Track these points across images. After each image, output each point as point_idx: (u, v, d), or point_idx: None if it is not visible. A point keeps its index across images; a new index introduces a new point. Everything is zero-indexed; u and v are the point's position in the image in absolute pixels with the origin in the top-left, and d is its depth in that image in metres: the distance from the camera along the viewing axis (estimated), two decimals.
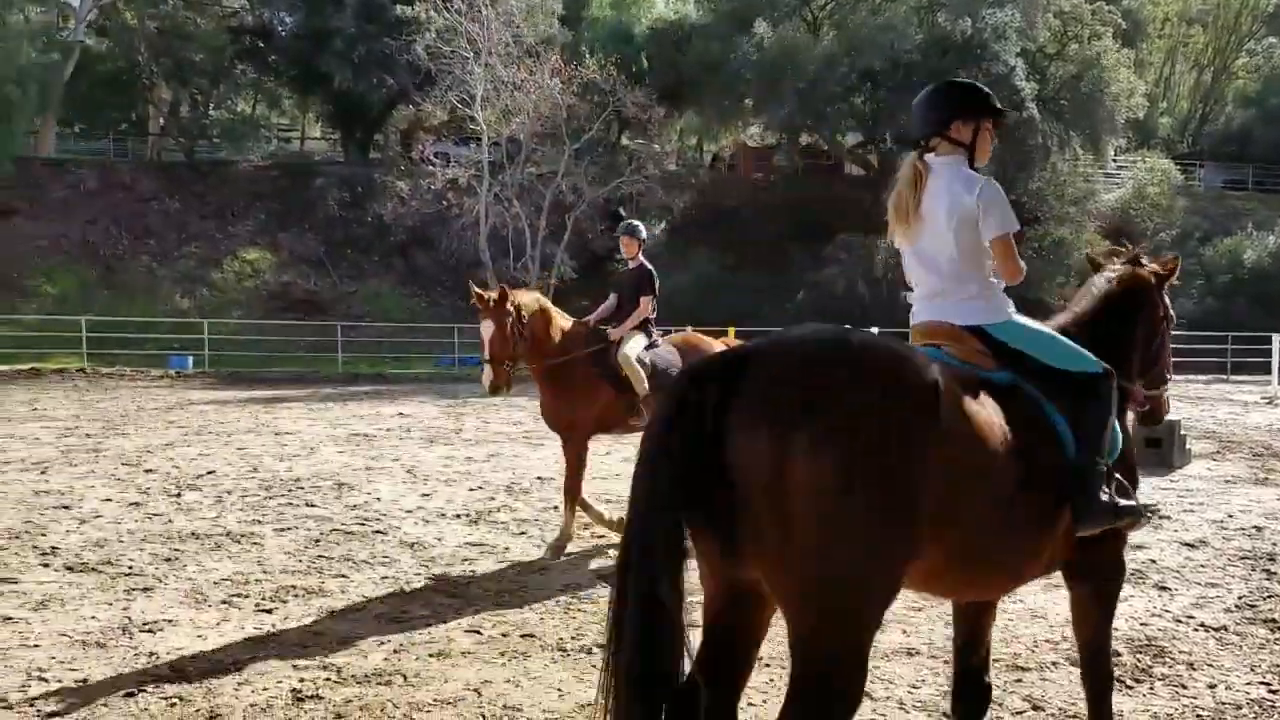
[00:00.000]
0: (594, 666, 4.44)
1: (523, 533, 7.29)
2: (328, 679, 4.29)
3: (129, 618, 5.14)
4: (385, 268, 36.55)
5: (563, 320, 7.09)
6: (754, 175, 43.35)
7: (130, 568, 6.18)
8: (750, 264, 34.78)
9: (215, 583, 5.87)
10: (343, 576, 6.04)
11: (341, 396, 19.38)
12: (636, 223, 7.75)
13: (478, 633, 4.94)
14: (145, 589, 5.71)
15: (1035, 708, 4.05)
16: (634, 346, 7.02)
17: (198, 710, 3.94)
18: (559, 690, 4.19)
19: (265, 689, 4.18)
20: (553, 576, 6.04)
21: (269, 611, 5.32)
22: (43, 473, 9.76)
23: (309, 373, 24.90)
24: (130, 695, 4.09)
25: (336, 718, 3.88)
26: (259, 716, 3.90)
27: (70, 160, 38.49)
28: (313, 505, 8.28)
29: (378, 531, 7.28)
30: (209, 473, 9.89)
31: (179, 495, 8.66)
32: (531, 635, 4.89)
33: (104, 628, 4.98)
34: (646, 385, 6.82)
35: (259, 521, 7.60)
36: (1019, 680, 4.36)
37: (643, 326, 7.25)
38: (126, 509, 8.01)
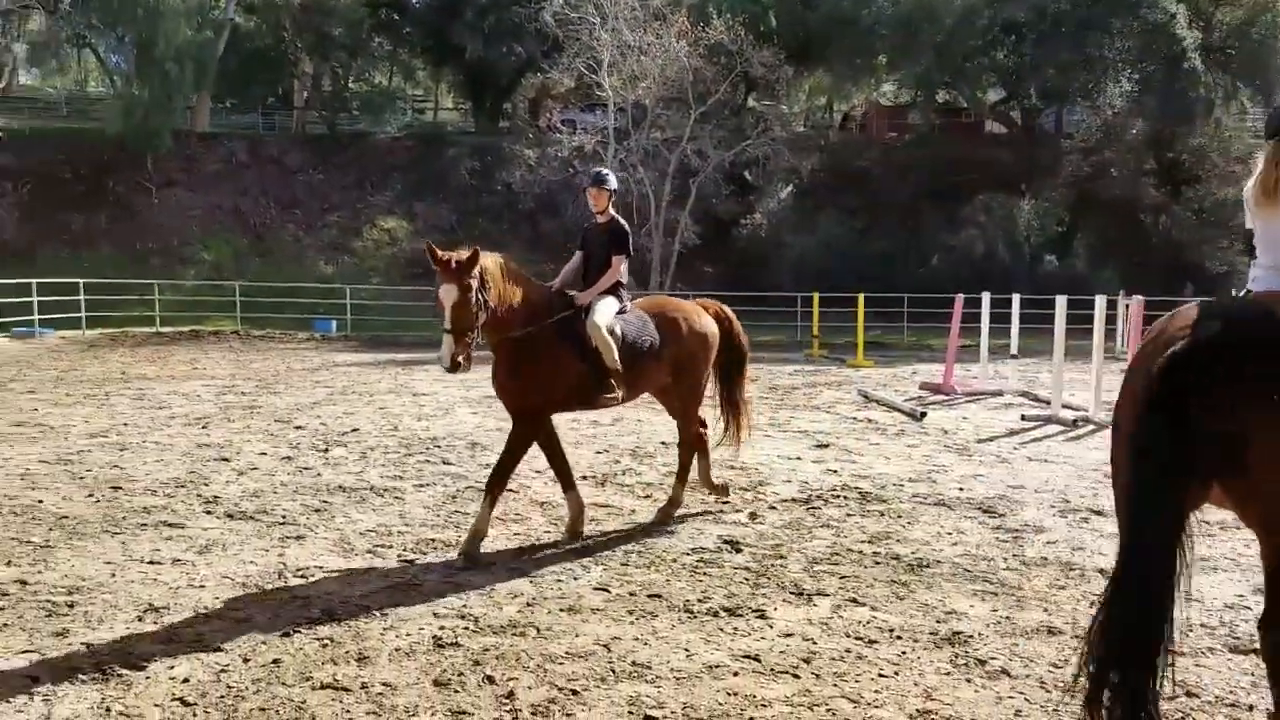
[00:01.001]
0: (720, 630, 4.50)
1: (647, 496, 7.38)
2: (466, 628, 4.49)
3: (284, 563, 5.49)
4: (513, 235, 37.24)
5: (525, 284, 6.00)
6: (886, 135, 42.08)
7: (284, 517, 6.58)
8: (881, 227, 33.89)
9: (361, 533, 6.19)
10: (492, 530, 6.25)
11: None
12: (605, 171, 6.74)
13: (606, 591, 5.06)
14: (298, 537, 6.07)
15: (1190, 694, 3.89)
16: (604, 313, 6.10)
17: (347, 652, 4.19)
18: (686, 650, 4.26)
19: (408, 634, 4.40)
20: (678, 540, 6.11)
21: (410, 562, 5.59)
22: (204, 427, 10.46)
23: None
24: (286, 635, 4.38)
25: (475, 664, 4.06)
26: (403, 660, 4.11)
27: (223, 134, 40.62)
28: (449, 463, 8.60)
29: (509, 490, 7.46)
30: (353, 430, 10.38)
31: (326, 451, 9.13)
32: (658, 596, 4.98)
33: (261, 572, 5.33)
34: (617, 358, 6.01)
35: (400, 477, 7.95)
36: (1170, 664, 4.18)
37: (614, 290, 6.33)
38: (279, 462, 8.51)
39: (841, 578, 5.34)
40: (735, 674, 4.02)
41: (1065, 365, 12.19)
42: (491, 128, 41.60)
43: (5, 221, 31.47)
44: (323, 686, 3.84)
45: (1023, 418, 11.56)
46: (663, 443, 9.76)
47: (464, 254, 5.53)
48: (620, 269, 6.39)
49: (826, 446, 9.63)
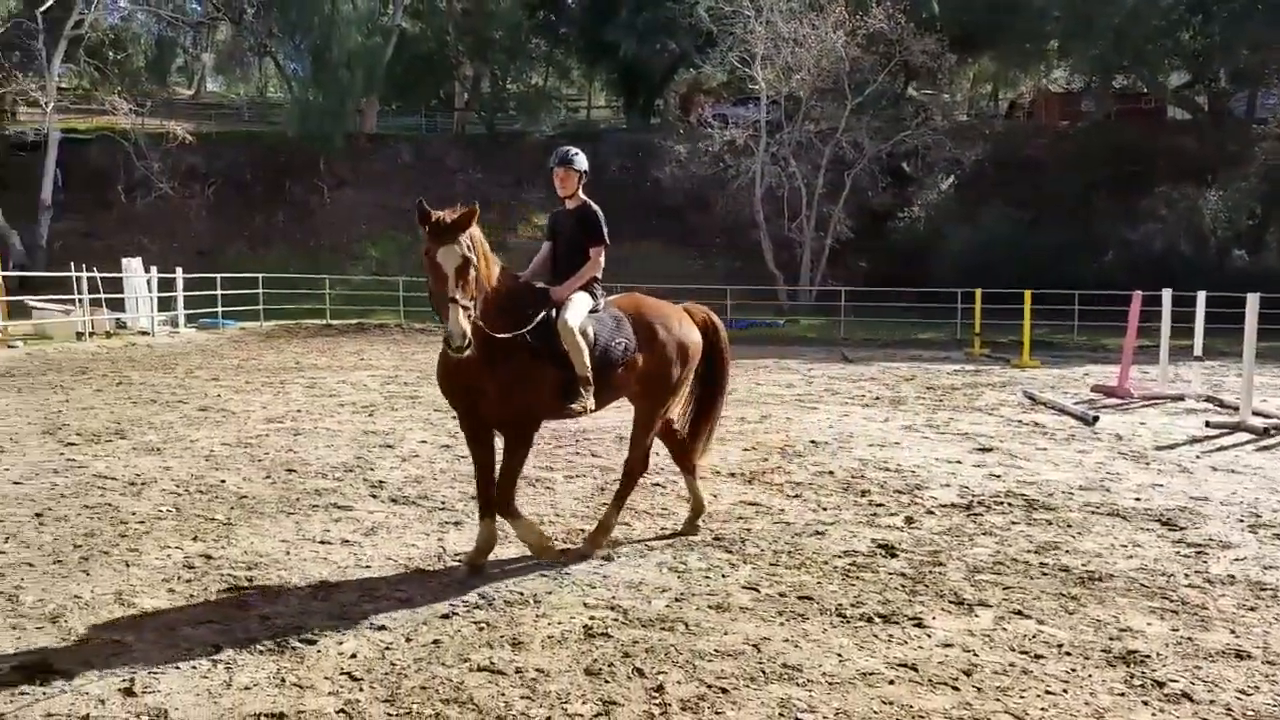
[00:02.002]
0: (875, 636, 4.36)
1: (797, 495, 7.26)
2: (615, 619, 4.52)
3: (444, 547, 5.69)
4: (662, 231, 37.49)
5: (501, 268, 5.27)
6: (1057, 123, 40.01)
7: (443, 503, 6.82)
8: (1049, 220, 32.26)
9: None
10: (625, 524, 6.30)
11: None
12: (574, 150, 5.96)
13: (755, 590, 5.00)
14: (456, 523, 6.28)
15: None
16: (576, 313, 5.38)
17: (502, 636, 4.30)
18: (839, 655, 4.15)
19: (560, 623, 4.47)
20: (830, 542, 5.97)
21: (561, 551, 5.68)
22: (370, 415, 10.97)
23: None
24: (446, 617, 4.53)
25: (624, 656, 4.08)
26: (555, 647, 4.18)
27: (389, 136, 42.62)
28: (596, 455, 8.71)
29: (656, 484, 7.52)
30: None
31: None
32: (809, 598, 4.87)
33: (423, 555, 5.54)
34: (588, 362, 5.28)
35: (550, 468, 8.11)
36: None
37: (588, 285, 5.69)
38: (439, 450, 8.83)
39: (1005, 588, 5.08)
40: (891, 682, 3.88)
41: (1256, 369, 11.26)
42: (643, 124, 42.00)
43: (194, 220, 33.98)
44: (479, 669, 3.94)
45: (1207, 424, 10.74)
46: (812, 441, 9.59)
47: (457, 211, 4.85)
48: (600, 261, 5.80)
49: (989, 450, 9.22)
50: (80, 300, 20.66)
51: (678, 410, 6.23)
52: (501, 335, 4.99)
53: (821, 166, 31.72)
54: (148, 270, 22.39)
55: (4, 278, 20.20)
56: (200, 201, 33.82)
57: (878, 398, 13.24)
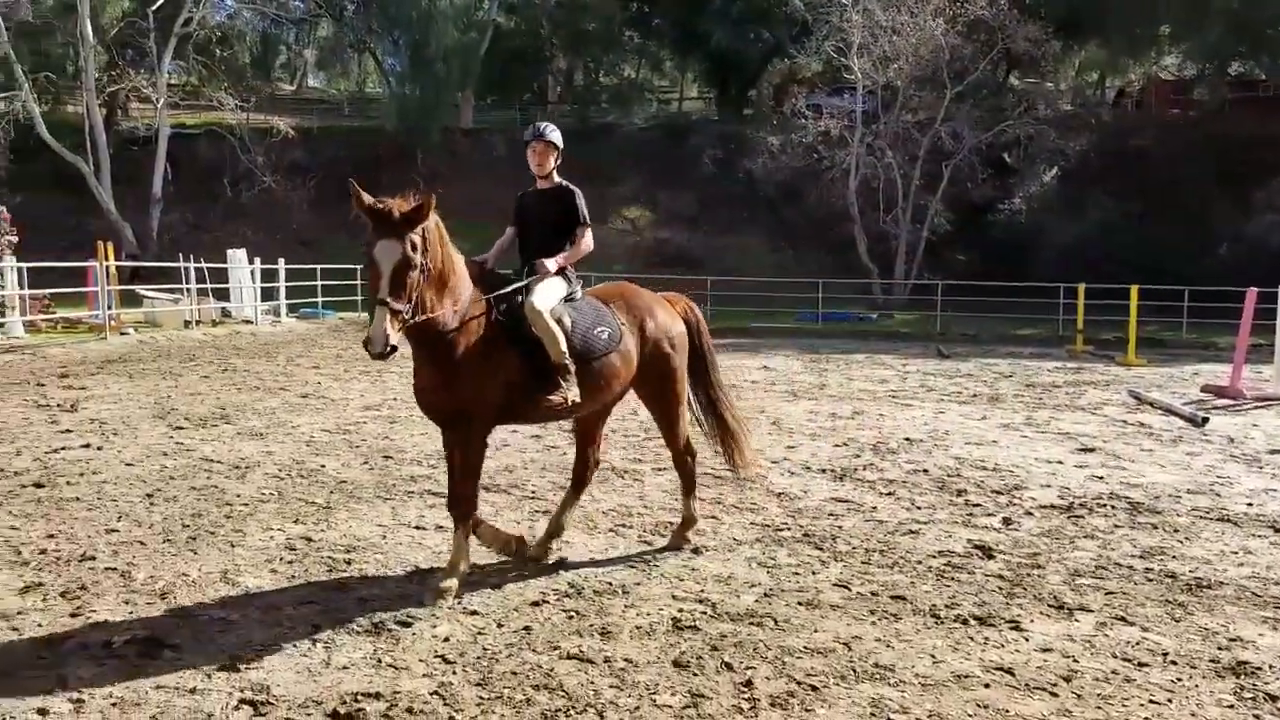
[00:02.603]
0: (970, 638, 4.25)
1: (890, 493, 7.12)
2: (704, 613, 4.50)
3: (533, 536, 5.75)
4: (753, 223, 37.22)
5: (458, 257, 4.78)
6: (1167, 112, 38.33)
7: (533, 492, 6.90)
8: (1159, 213, 30.94)
9: (604, 512, 6.38)
10: (714, 518, 6.29)
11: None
12: (549, 124, 5.45)
13: (846, 588, 4.92)
14: (545, 511, 6.34)
15: None
16: (546, 296, 4.98)
17: (591, 625, 4.33)
18: (933, 657, 4.05)
19: (648, 614, 4.48)
20: (923, 541, 5.84)
21: (649, 543, 5.69)
22: None
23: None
24: (536, 604, 4.59)
25: (713, 650, 4.06)
26: (643, 638, 4.19)
27: (484, 130, 43.29)
28: None
29: (744, 479, 7.46)
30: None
31: (571, 432, 9.48)
32: (902, 598, 4.78)
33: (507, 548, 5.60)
34: (565, 348, 4.88)
35: (639, 460, 8.13)
36: None
37: (562, 271, 5.27)
38: (529, 440, 8.93)
39: (1108, 593, 4.90)
40: (986, 686, 3.78)
41: None
42: (735, 115, 41.74)
43: (297, 212, 35.07)
44: (569, 656, 3.97)
45: None
46: (906, 438, 9.39)
47: (408, 203, 4.33)
48: (588, 241, 5.39)
49: (1091, 450, 8.89)
50: (188, 289, 21.53)
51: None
52: (444, 320, 4.51)
53: (919, 157, 31.03)
54: (251, 261, 23.22)
55: (117, 267, 21.18)
56: (302, 194, 34.88)
57: (975, 395, 12.91)
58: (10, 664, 3.82)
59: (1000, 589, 4.94)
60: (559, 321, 4.94)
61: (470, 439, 4.80)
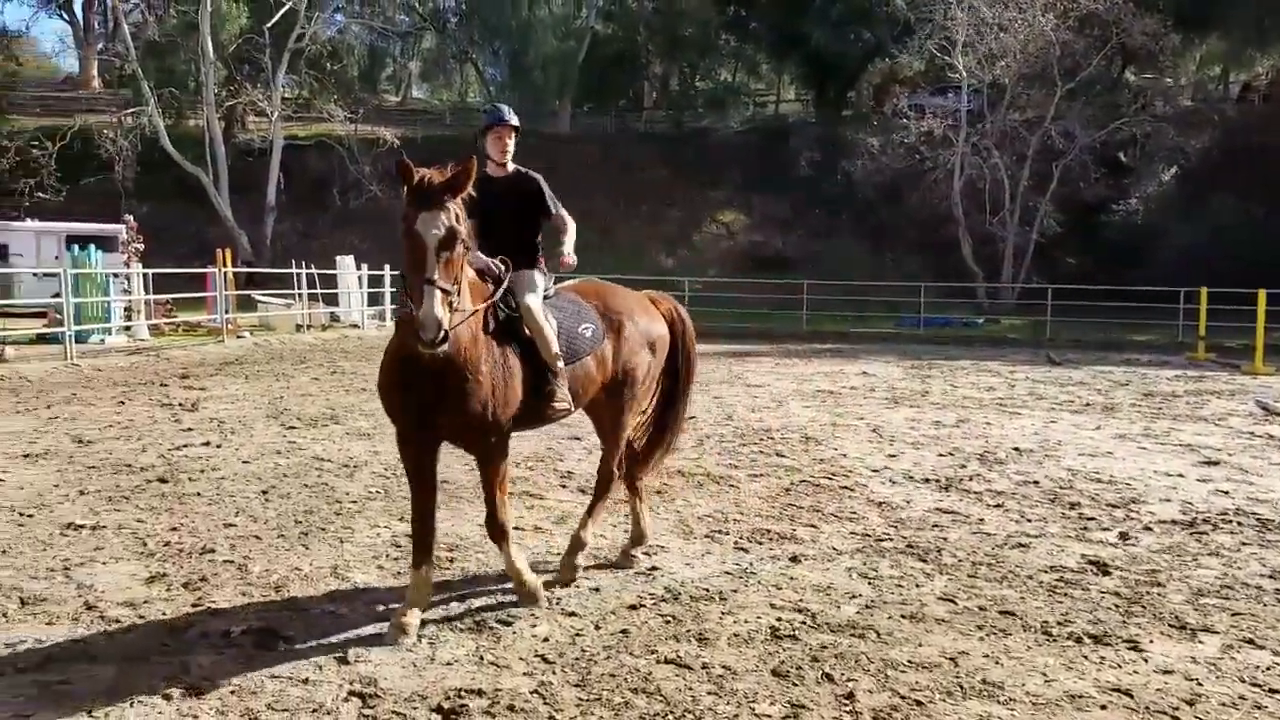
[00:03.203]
0: (1084, 657, 4.09)
1: (998, 505, 6.90)
2: (803, 622, 4.44)
3: (612, 542, 5.76)
4: (852, 225, 36.66)
5: None
6: None
7: (628, 496, 6.90)
8: None
9: (699, 517, 6.36)
10: (812, 526, 6.19)
11: (806, 353, 19.89)
12: (506, 109, 4.98)
13: (952, 602, 4.78)
14: (621, 516, 6.34)
15: None
16: (535, 292, 4.72)
17: (688, 631, 4.31)
18: (1044, 675, 3.90)
19: (746, 621, 4.43)
20: (1035, 555, 5.64)
21: (745, 550, 5.64)
22: None
23: (775, 329, 25.88)
24: (634, 608, 4.60)
25: (813, 660, 3.99)
26: (742, 646, 4.15)
27: (580, 136, 43.74)
28: (782, 455, 8.60)
29: (845, 487, 7.35)
30: (690, 418, 10.64)
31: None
32: (1011, 613, 4.62)
33: (610, 545, 5.64)
34: (557, 349, 4.56)
35: (735, 466, 8.08)
36: None
37: (537, 264, 4.95)
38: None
39: (1234, 614, 4.64)
40: (1103, 707, 3.62)
41: None
42: (834, 117, 41.23)
43: (396, 220, 36.06)
44: (666, 661, 3.97)
45: None
46: (1015, 448, 9.09)
47: (445, 172, 4.02)
48: (573, 225, 5.11)
49: (1215, 464, 8.46)
50: (299, 295, 22.36)
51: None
52: (457, 324, 3.98)
53: (1027, 157, 30.08)
54: (359, 267, 23.99)
55: (234, 273, 22.13)
56: (401, 202, 35.75)
57: (1088, 404, 12.43)
58: (138, 650, 4.02)
59: (1117, 607, 4.74)
60: (547, 318, 4.66)
61: (493, 455, 4.40)
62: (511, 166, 4.97)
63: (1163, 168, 31.87)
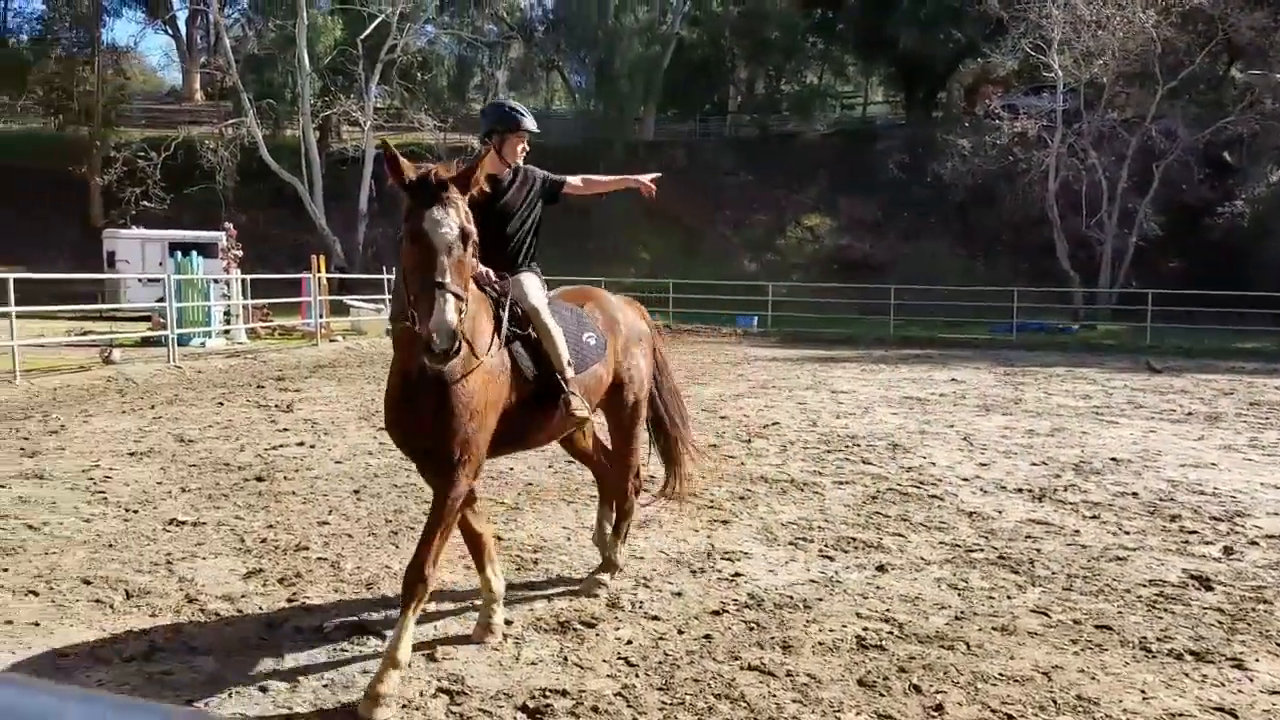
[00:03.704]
0: (1185, 674, 3.92)
1: (1094, 516, 6.67)
2: (890, 632, 4.36)
3: (712, 545, 5.76)
4: (942, 229, 35.95)
5: None
6: None
7: (710, 501, 6.90)
8: None
9: (783, 524, 6.30)
10: (900, 535, 6.08)
11: (893, 359, 19.56)
12: (525, 112, 4.56)
13: (1045, 615, 4.64)
14: (724, 521, 6.34)
15: None
16: (539, 295, 4.38)
17: (772, 638, 4.27)
18: (1142, 692, 3.76)
19: (831, 630, 4.38)
20: (1132, 569, 5.43)
21: (830, 558, 5.57)
22: None
23: (862, 334, 25.51)
24: (717, 613, 4.58)
25: (900, 671, 3.92)
26: (827, 655, 4.10)
27: (665, 142, 43.88)
28: (869, 463, 8.46)
29: (934, 496, 7.20)
30: (774, 423, 10.63)
31: (749, 442, 9.44)
32: (1108, 628, 4.46)
33: (693, 551, 5.63)
34: (568, 355, 4.26)
35: (820, 473, 7.98)
36: None
37: (531, 266, 4.62)
38: (706, 449, 8.94)
39: None
40: None
41: None
42: (923, 118, 40.54)
43: None
44: (750, 667, 3.94)
45: None
46: (1113, 458, 8.78)
47: (453, 169, 3.65)
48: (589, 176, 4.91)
49: None
50: (389, 300, 22.96)
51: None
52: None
53: (1126, 157, 29.05)
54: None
55: (328, 279, 22.80)
56: None
57: (1190, 413, 11.93)
58: (237, 643, 4.17)
59: (1220, 623, 4.54)
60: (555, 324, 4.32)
61: (459, 489, 3.79)
62: (516, 164, 4.61)
63: (1271, 167, 30.41)
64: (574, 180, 4.87)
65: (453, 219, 3.46)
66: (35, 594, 4.74)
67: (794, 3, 42.44)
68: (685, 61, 43.58)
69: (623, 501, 5.14)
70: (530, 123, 4.50)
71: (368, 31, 33.40)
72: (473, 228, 3.56)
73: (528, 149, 4.61)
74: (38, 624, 4.35)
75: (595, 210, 38.99)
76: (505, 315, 4.04)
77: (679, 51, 42.67)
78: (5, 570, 5.10)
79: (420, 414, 3.72)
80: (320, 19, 35.67)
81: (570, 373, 4.26)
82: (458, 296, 3.35)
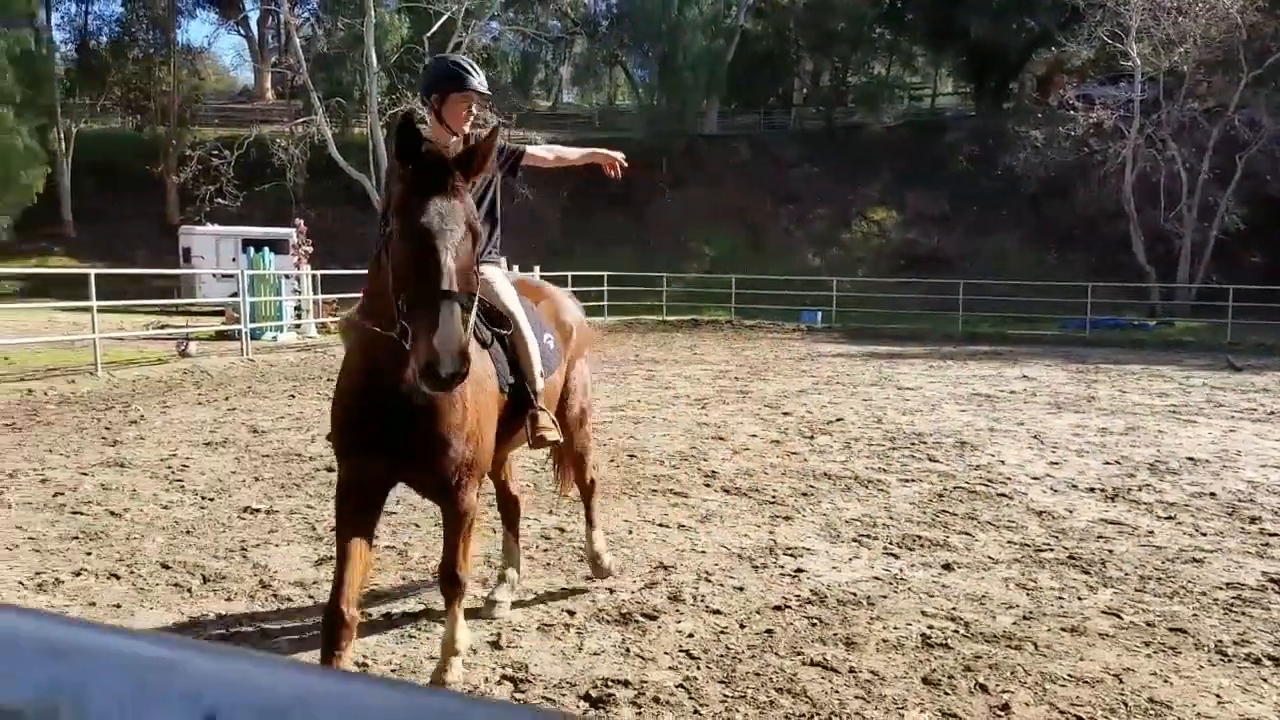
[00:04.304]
0: (1263, 679, 3.80)
1: (1170, 517, 6.48)
2: (956, 631, 4.30)
3: (774, 540, 5.73)
4: (1012, 222, 35.22)
5: None
6: None
7: (773, 497, 6.87)
8: None
9: (846, 521, 6.25)
10: (967, 534, 5.99)
11: (961, 355, 19.23)
12: (470, 68, 3.87)
13: (1117, 616, 4.53)
14: (786, 517, 6.30)
15: None
16: (512, 296, 3.97)
17: (835, 634, 4.25)
18: (1218, 697, 3.65)
19: (895, 628, 4.33)
20: (1209, 571, 5.27)
21: (895, 556, 5.50)
22: (703, 408, 11.32)
23: (928, 330, 25.13)
24: (779, 609, 4.56)
25: (966, 670, 3.87)
26: (890, 652, 4.06)
27: (728, 135, 43.69)
28: (935, 460, 8.34)
29: (1002, 494, 7.07)
30: (838, 420, 10.54)
31: (812, 438, 9.38)
32: (1182, 630, 4.34)
33: (754, 546, 5.62)
34: (540, 368, 3.90)
35: (884, 470, 7.89)
36: None
37: (490, 258, 4.07)
38: (769, 445, 8.92)
39: None
40: None
41: None
42: (994, 109, 39.76)
43: (551, 223, 36.95)
44: (812, 663, 3.92)
45: None
46: (1189, 458, 8.53)
47: (448, 145, 3.37)
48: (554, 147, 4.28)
49: None
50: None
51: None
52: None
53: (1207, 148, 28.11)
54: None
55: None
56: (555, 205, 36.67)
57: (1272, 413, 11.52)
58: (309, 627, 4.28)
59: None
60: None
61: (468, 503, 3.51)
62: (468, 132, 3.91)
63: None
64: (537, 150, 4.39)
65: (459, 212, 2.93)
66: (117, 577, 4.93)
67: None
68: (749, 54, 43.34)
69: (592, 489, 4.92)
70: (478, 82, 3.84)
71: (434, 29, 33.83)
72: (479, 222, 3.07)
73: (475, 115, 3.94)
74: (119, 606, 4.52)
75: (659, 209, 39.03)
76: (474, 314, 3.08)
77: (743, 44, 42.44)
78: (89, 554, 5.31)
79: (400, 438, 3.22)
80: (387, 17, 36.24)
81: (540, 384, 3.89)
82: (465, 308, 2.83)
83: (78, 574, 4.97)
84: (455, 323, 2.73)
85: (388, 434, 3.22)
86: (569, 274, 26.72)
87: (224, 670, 0.47)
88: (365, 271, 3.39)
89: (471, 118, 3.90)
